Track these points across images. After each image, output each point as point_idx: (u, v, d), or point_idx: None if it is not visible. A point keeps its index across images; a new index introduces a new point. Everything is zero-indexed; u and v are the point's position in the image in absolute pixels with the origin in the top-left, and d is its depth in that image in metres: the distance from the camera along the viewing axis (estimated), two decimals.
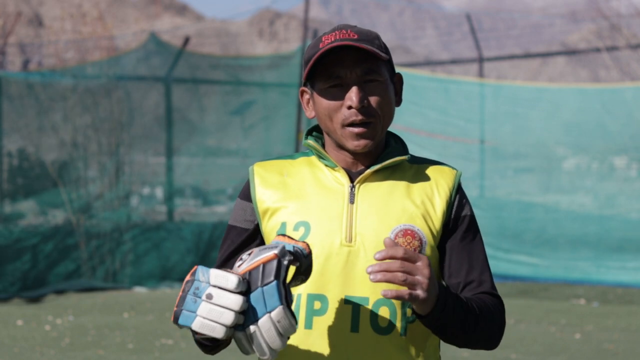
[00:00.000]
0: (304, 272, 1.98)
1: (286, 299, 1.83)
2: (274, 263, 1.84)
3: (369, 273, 1.86)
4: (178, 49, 13.51)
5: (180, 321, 1.84)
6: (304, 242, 1.97)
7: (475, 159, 13.23)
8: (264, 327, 1.82)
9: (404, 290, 1.87)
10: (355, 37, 2.06)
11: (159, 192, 13.99)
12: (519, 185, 13.74)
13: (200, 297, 1.82)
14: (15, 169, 12.60)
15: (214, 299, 1.81)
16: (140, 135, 13.04)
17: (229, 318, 1.81)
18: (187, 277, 1.86)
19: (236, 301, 1.81)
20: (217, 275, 1.82)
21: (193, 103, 13.99)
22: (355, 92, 2.05)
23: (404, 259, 1.87)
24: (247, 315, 1.83)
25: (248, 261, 1.88)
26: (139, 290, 11.69)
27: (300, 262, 1.93)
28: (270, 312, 1.82)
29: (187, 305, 1.84)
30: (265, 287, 1.83)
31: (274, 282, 1.83)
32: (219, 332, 1.82)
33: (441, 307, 1.93)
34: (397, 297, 1.87)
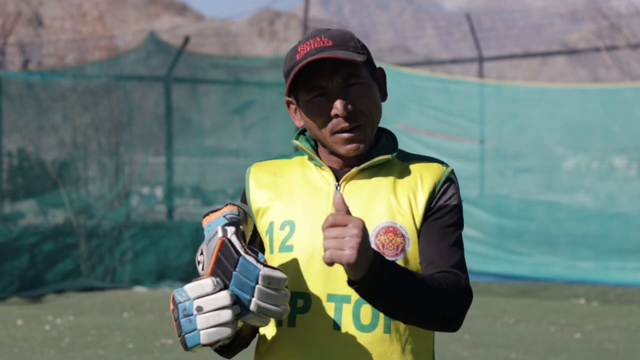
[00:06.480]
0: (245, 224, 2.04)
1: (259, 262, 1.88)
2: (227, 245, 1.89)
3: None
4: (178, 49, 13.50)
5: (189, 344, 1.90)
6: (227, 205, 2.03)
7: (475, 158, 13.23)
8: (262, 296, 1.87)
9: (335, 252, 1.81)
10: (330, 43, 2.06)
11: (159, 192, 13.99)
12: (519, 185, 13.74)
13: (192, 314, 1.88)
14: (15, 168, 12.59)
15: (204, 308, 1.87)
16: (140, 135, 13.04)
17: (227, 315, 1.87)
18: (171, 306, 1.92)
19: (224, 297, 1.87)
20: (192, 288, 1.89)
21: (193, 103, 13.99)
22: (339, 101, 2.06)
23: (331, 225, 1.83)
24: (241, 301, 1.88)
25: (206, 260, 1.93)
26: (139, 290, 11.69)
27: (241, 223, 1.99)
28: (256, 283, 1.86)
29: (185, 328, 1.90)
30: (237, 269, 1.87)
31: (240, 259, 1.87)
32: (226, 332, 1.88)
33: (374, 274, 1.86)
34: (331, 260, 1.81)
